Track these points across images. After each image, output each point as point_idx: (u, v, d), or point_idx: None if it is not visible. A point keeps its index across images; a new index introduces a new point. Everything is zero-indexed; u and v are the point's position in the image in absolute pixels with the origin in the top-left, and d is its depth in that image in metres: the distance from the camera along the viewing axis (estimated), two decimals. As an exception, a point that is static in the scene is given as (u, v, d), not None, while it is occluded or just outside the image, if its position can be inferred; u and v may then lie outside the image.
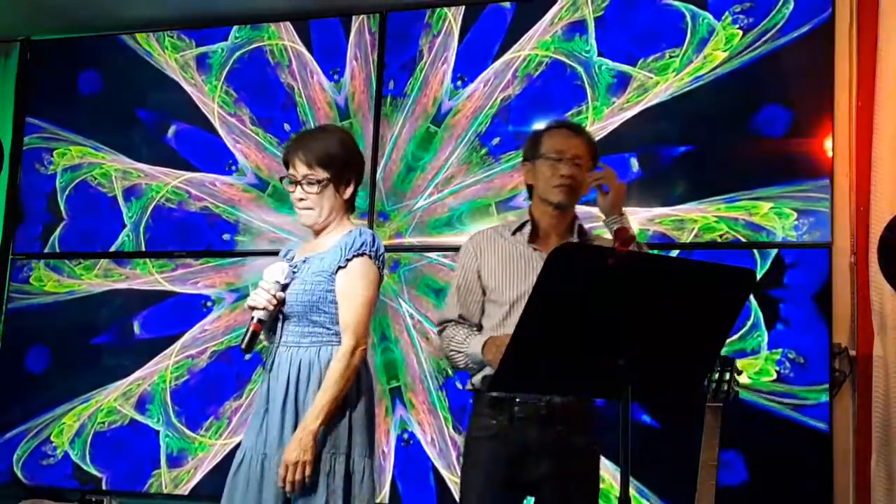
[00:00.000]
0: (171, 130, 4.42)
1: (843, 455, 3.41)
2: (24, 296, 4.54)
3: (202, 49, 4.42)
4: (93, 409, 4.31)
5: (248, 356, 2.83)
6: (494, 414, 2.69)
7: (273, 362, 2.80)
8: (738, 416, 3.36)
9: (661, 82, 3.73)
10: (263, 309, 2.72)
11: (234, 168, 4.31)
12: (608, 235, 2.76)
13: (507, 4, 3.98)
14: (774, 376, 3.45)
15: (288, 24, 4.31)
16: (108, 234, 4.45)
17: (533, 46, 3.92)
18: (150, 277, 4.36)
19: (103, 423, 4.29)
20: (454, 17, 4.07)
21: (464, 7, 4.06)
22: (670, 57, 3.74)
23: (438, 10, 4.09)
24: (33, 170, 4.61)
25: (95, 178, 4.50)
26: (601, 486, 2.84)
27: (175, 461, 4.18)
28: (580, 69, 3.86)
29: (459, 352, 2.76)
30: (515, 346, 2.04)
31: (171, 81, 4.45)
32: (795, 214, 3.50)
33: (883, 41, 3.44)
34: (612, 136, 3.77)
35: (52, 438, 4.34)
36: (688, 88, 3.70)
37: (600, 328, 1.99)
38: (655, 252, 3.28)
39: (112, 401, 4.29)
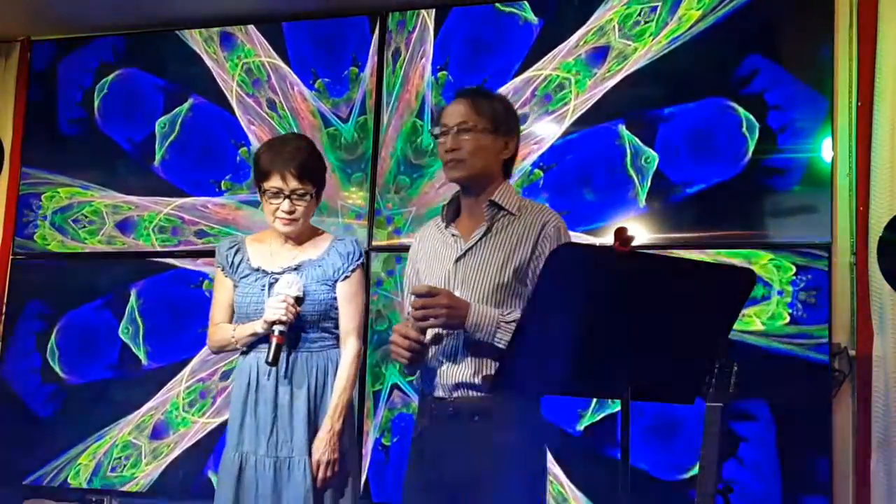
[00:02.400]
0: (188, 104, 4.40)
1: (843, 455, 3.39)
2: (28, 251, 4.54)
3: (227, 26, 4.40)
4: (107, 445, 4.25)
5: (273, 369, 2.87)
6: (421, 413, 2.59)
7: (287, 367, 2.83)
8: (757, 363, 3.39)
9: (639, 48, 3.77)
10: (287, 322, 2.76)
11: (244, 144, 4.30)
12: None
13: (535, 20, 3.93)
14: (787, 319, 3.46)
15: (263, 40, 4.32)
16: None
17: (555, 67, 3.88)
18: (152, 248, 4.36)
19: (119, 458, 4.24)
20: (427, 14, 4.09)
21: (434, 10, 4.09)
22: (645, 22, 3.77)
23: (410, 11, 4.12)
24: (22, 216, 4.59)
25: (86, 216, 4.49)
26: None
27: (157, 433, 4.19)
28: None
29: None
30: (516, 346, 2.05)
31: (194, 55, 4.41)
32: (794, 268, 3.48)
33: (883, 40, 3.46)
34: (597, 106, 3.79)
35: (69, 481, 4.28)
36: (667, 50, 3.73)
37: (600, 328, 1.99)
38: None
39: (126, 434, 4.24)
